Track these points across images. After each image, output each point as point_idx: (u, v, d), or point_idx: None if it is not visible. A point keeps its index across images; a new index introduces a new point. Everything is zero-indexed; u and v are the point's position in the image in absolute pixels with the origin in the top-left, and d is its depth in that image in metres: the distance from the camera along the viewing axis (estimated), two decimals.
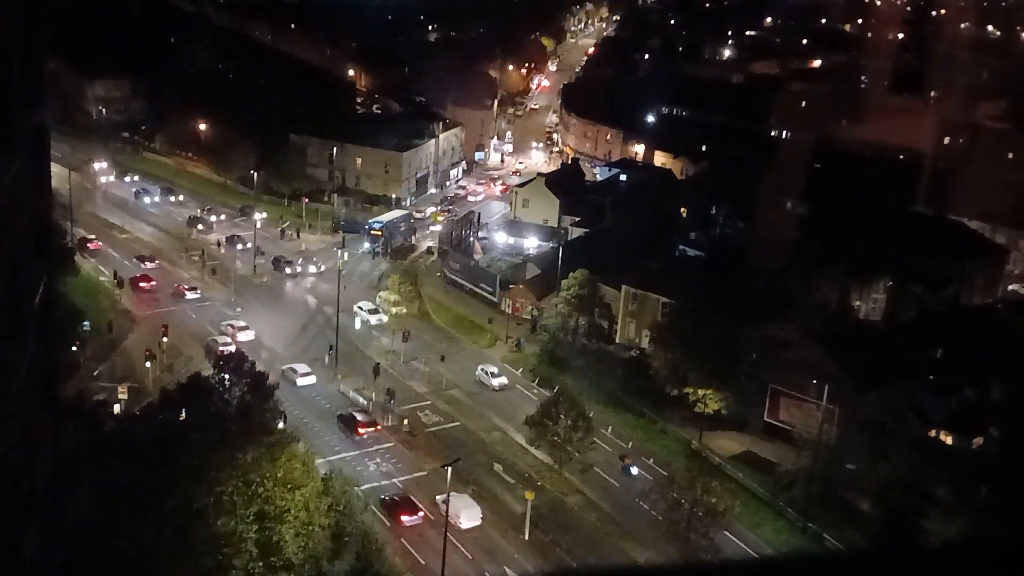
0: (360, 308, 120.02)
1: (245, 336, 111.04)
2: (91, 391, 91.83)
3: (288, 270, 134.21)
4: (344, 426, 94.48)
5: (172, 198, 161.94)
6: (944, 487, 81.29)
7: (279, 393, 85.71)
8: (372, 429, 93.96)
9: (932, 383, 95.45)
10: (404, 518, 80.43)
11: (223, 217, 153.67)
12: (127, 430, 75.08)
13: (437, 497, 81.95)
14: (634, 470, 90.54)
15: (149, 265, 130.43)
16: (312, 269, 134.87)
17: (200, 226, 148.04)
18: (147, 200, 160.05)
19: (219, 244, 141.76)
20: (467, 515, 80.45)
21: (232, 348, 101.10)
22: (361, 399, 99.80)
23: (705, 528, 76.78)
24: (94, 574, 56.60)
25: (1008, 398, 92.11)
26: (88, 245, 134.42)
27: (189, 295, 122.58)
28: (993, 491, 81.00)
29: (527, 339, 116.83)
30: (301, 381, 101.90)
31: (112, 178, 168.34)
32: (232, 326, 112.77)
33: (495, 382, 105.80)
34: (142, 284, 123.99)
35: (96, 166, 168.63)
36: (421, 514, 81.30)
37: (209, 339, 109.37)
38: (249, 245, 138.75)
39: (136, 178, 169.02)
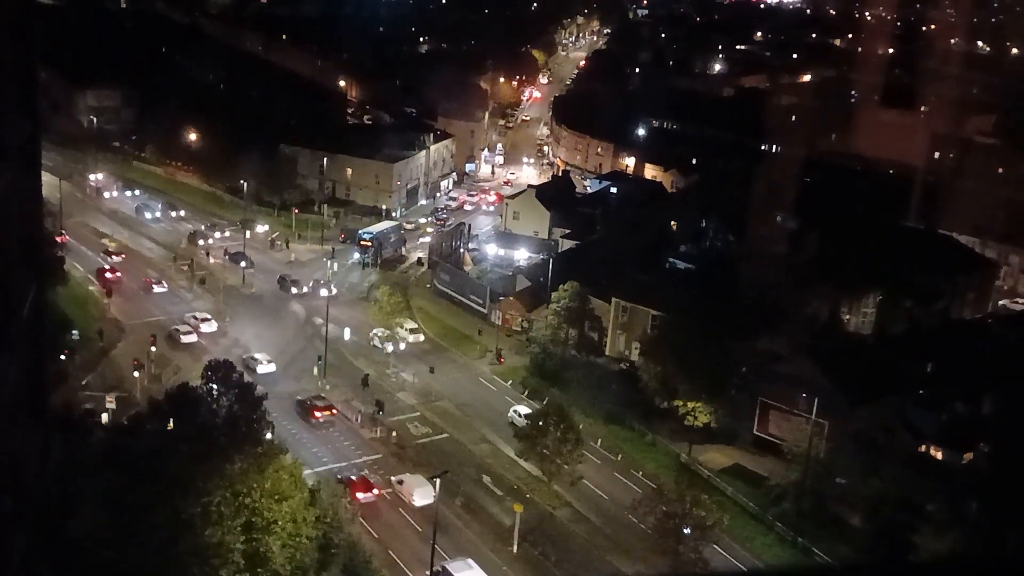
0: (377, 335, 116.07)
1: (208, 328, 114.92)
2: (79, 401, 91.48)
3: (295, 290, 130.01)
4: (301, 411, 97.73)
5: (174, 213, 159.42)
6: (935, 502, 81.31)
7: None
8: (328, 413, 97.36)
9: (923, 397, 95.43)
10: (359, 495, 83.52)
11: (227, 233, 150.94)
12: (115, 440, 74.68)
13: (392, 477, 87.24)
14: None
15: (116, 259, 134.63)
16: (323, 292, 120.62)
17: (202, 242, 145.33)
18: (148, 215, 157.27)
19: (223, 260, 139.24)
20: (420, 493, 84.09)
21: (194, 338, 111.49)
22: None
23: (694, 542, 76.54)
24: None
25: (999, 413, 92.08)
26: (107, 276, 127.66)
27: (156, 288, 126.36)
28: (984, 506, 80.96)
29: (516, 351, 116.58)
30: (261, 369, 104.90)
31: (115, 193, 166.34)
32: (195, 317, 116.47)
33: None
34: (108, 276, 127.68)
35: (94, 178, 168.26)
36: (376, 491, 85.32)
37: (172, 328, 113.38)
38: (252, 268, 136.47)
39: (138, 193, 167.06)
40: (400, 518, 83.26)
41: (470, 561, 75.99)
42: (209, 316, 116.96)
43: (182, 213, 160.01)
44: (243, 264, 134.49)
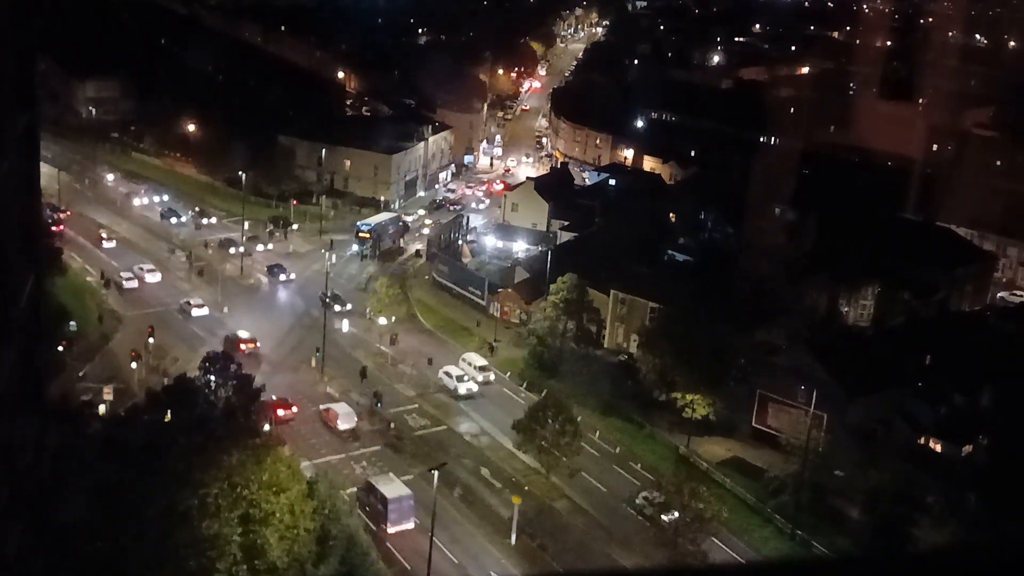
0: (448, 375, 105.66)
1: (152, 278, 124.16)
2: (77, 392, 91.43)
3: (338, 307, 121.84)
4: (229, 346, 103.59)
5: (205, 220, 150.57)
6: (934, 494, 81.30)
7: (179, 324, 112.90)
8: (251, 346, 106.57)
9: (921, 390, 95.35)
10: (280, 412, 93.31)
11: (270, 246, 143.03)
12: (112, 432, 74.63)
13: (321, 406, 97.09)
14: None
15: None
16: (337, 307, 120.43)
17: (233, 249, 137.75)
18: (174, 221, 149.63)
19: (261, 274, 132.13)
20: (344, 418, 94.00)
21: (135, 284, 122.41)
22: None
23: (693, 534, 76.50)
24: None
25: (997, 405, 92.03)
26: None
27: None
28: (983, 499, 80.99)
29: (515, 343, 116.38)
30: (195, 312, 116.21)
31: (144, 200, 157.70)
32: (141, 268, 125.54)
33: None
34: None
35: (112, 176, 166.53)
36: (295, 409, 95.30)
37: (116, 275, 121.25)
38: (293, 276, 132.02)
39: (165, 198, 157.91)
40: (323, 437, 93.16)
41: (391, 475, 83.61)
42: (153, 267, 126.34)
43: (213, 220, 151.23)
44: (282, 277, 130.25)
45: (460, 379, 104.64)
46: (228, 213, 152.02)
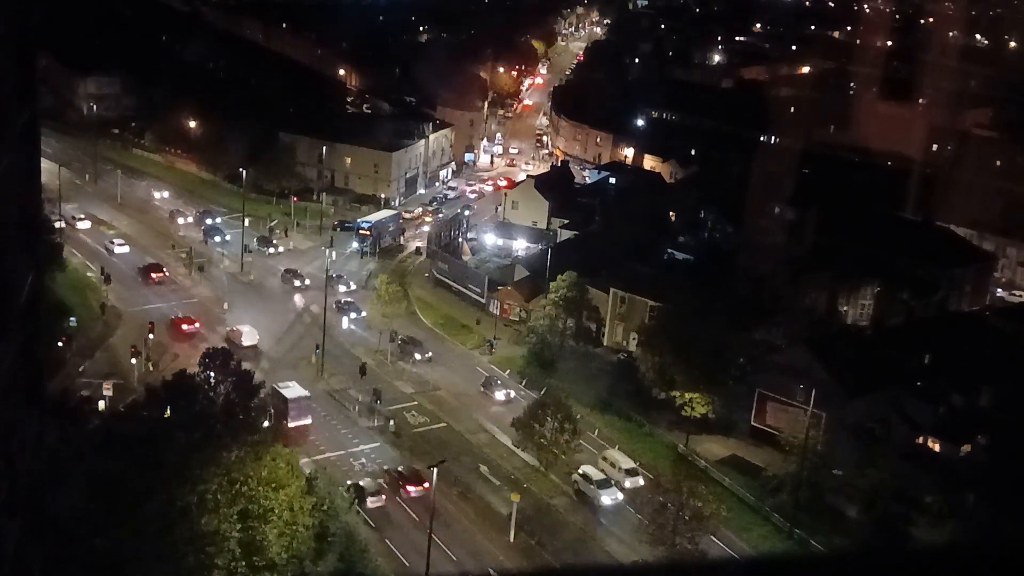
0: (585, 474, 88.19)
1: (120, 250, 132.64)
2: (76, 387, 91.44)
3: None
4: (142, 276, 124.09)
5: (271, 250, 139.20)
6: (932, 494, 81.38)
7: (100, 260, 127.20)
8: (162, 274, 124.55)
9: (920, 389, 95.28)
10: (184, 327, 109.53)
11: (352, 287, 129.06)
12: (111, 427, 74.68)
13: (227, 328, 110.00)
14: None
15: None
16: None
17: (297, 282, 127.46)
18: (217, 239, 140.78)
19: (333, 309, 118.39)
20: (247, 336, 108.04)
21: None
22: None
23: (691, 532, 76.55)
24: (76, 572, 56.19)
25: (996, 405, 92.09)
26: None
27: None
28: (981, 498, 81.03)
29: (514, 341, 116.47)
30: (117, 250, 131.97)
31: (189, 219, 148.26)
32: (112, 242, 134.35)
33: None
34: None
35: (160, 194, 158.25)
36: (198, 324, 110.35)
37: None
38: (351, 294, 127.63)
39: (217, 220, 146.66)
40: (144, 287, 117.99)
41: (293, 383, 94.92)
42: (123, 241, 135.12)
43: (280, 249, 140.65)
44: (352, 315, 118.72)
45: (602, 485, 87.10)
46: (229, 210, 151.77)
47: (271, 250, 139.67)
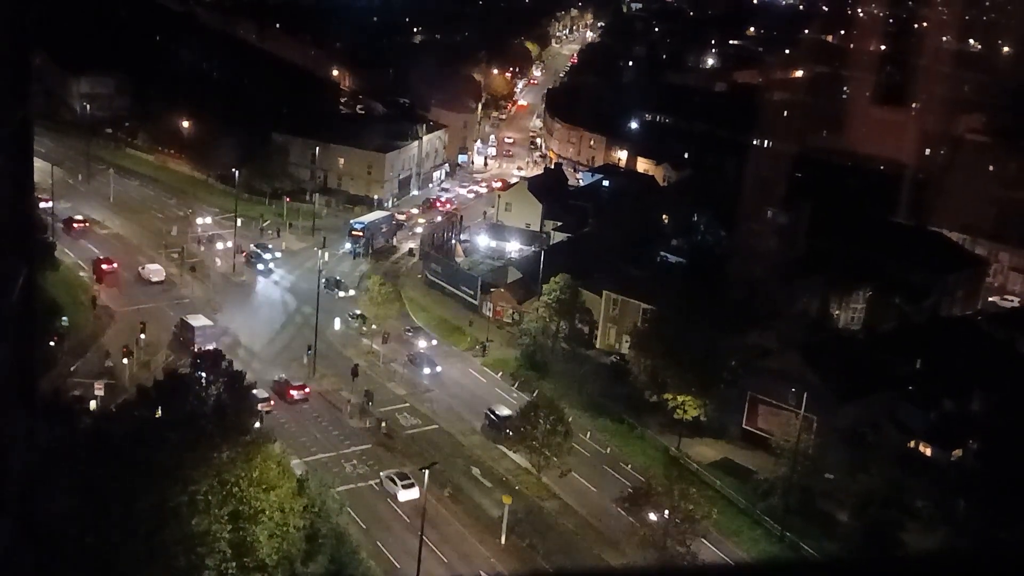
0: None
1: (103, 231, 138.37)
2: (67, 387, 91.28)
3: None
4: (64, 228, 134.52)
5: (341, 293, 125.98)
6: (922, 499, 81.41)
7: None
8: (83, 224, 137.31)
9: (912, 394, 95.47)
10: (104, 267, 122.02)
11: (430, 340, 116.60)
12: (102, 427, 74.54)
13: (139, 268, 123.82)
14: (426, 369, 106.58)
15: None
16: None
17: (367, 341, 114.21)
18: (260, 267, 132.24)
19: (402, 363, 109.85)
20: (154, 273, 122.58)
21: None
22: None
23: (682, 535, 76.54)
24: (65, 573, 56.03)
25: (987, 410, 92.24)
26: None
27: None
28: (972, 503, 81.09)
29: (507, 343, 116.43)
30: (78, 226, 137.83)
31: (228, 244, 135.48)
32: (83, 219, 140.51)
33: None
34: None
35: (203, 222, 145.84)
36: (115, 265, 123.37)
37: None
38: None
39: (266, 256, 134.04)
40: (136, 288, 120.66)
41: (200, 315, 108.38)
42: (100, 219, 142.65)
43: (348, 291, 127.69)
44: (427, 371, 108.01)
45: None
46: (221, 210, 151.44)
47: (341, 293, 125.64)
